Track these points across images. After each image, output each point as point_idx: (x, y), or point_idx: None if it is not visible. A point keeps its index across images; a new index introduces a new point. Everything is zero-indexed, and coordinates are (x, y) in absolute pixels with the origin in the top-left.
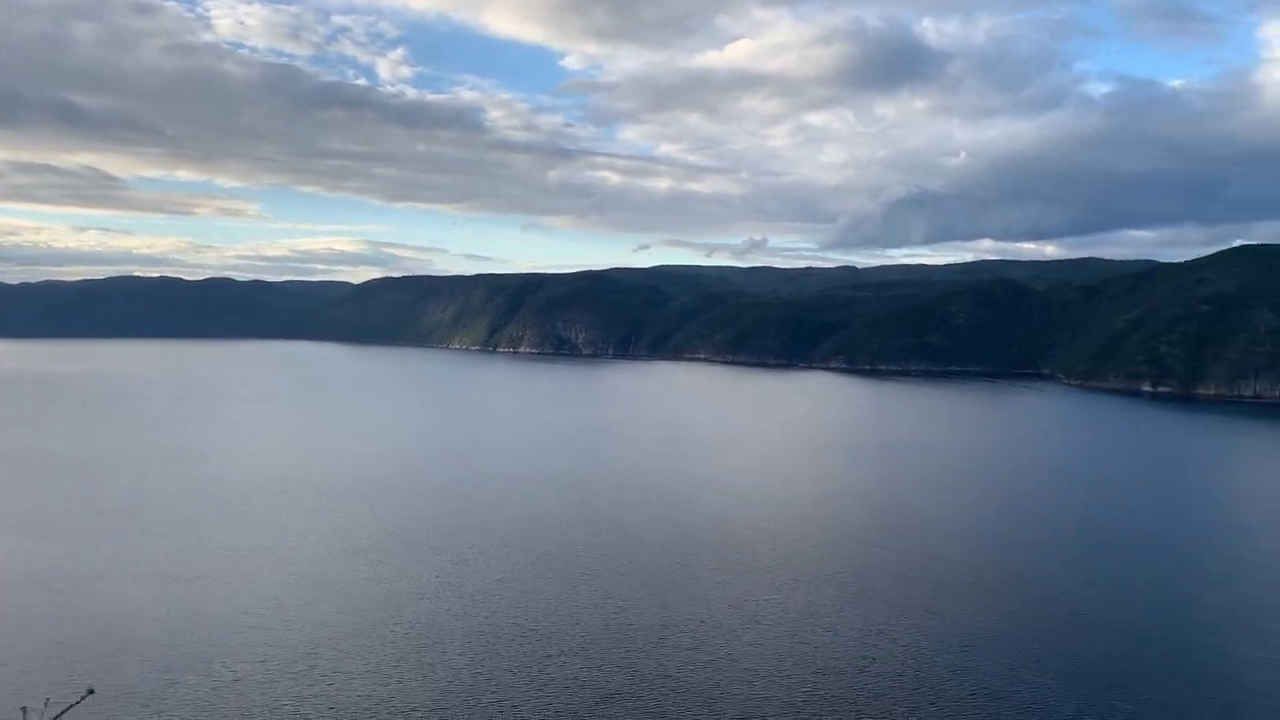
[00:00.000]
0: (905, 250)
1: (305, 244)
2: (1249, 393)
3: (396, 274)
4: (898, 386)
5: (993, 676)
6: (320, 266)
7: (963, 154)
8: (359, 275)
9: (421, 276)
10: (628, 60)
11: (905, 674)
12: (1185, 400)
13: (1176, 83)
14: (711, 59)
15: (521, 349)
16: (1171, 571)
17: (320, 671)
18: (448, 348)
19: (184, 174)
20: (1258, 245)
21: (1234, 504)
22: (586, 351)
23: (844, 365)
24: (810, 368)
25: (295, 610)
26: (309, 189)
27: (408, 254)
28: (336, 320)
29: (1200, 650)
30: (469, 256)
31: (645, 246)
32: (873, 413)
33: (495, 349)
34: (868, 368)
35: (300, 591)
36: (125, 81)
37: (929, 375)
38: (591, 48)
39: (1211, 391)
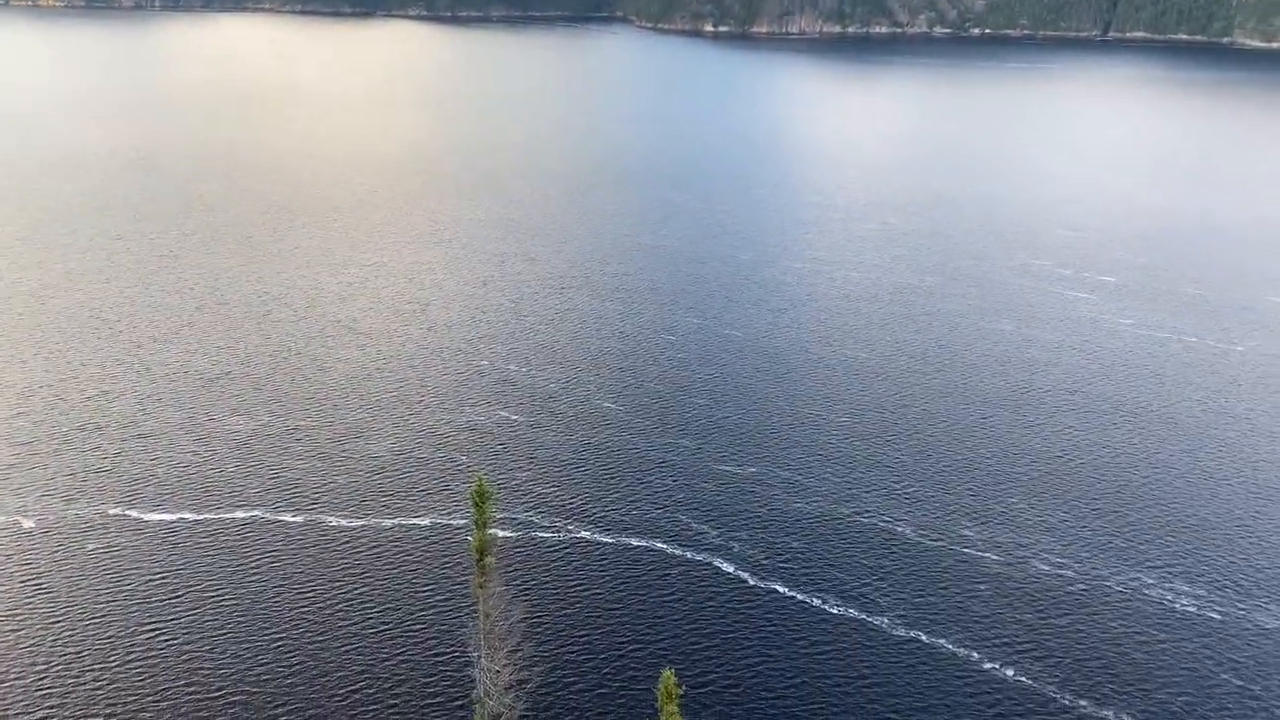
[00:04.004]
0: None
1: None
2: (795, 30)
3: None
4: (480, 34)
5: (584, 305)
6: None
7: None
8: None
9: None
10: None
11: (509, 318)
12: (742, 39)
13: None
14: None
15: (43, 1)
16: (725, 195)
17: None
18: None
19: None
20: None
21: (768, 131)
22: (128, 4)
23: (424, 12)
24: (390, 16)
25: None
26: None
27: None
28: None
29: (741, 263)
30: None
31: None
32: (458, 65)
33: (8, 2)
34: (448, 15)
35: None
36: None
37: (511, 20)
38: None
39: (764, 30)
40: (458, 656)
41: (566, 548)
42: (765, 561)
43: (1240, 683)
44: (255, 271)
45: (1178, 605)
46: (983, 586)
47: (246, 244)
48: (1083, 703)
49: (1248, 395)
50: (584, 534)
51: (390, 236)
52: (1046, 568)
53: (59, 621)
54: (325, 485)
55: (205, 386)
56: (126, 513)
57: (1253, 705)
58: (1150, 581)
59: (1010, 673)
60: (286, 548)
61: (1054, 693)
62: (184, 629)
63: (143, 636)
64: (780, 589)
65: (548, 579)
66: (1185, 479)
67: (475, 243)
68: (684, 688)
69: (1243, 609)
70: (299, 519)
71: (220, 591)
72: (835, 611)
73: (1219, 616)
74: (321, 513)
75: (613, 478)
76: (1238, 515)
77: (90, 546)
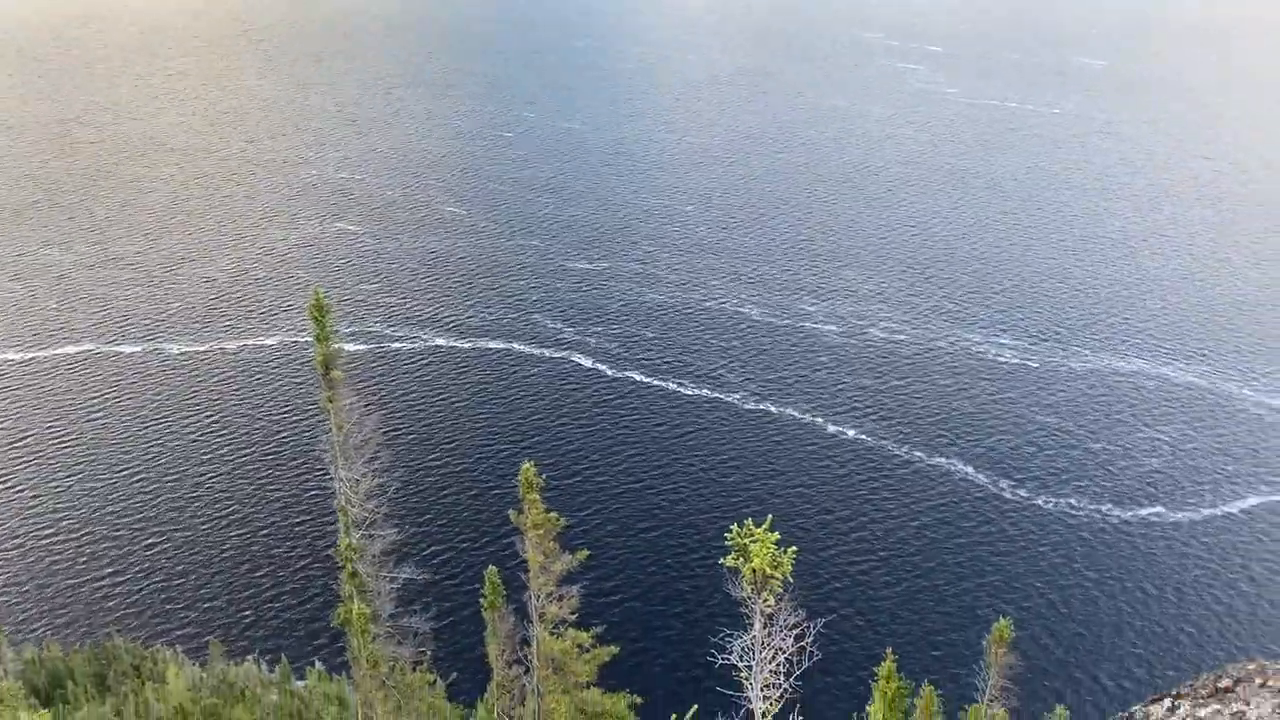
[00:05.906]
0: None
1: None
2: None
3: None
4: None
5: (414, 105)
6: None
7: None
8: None
9: None
10: None
11: (335, 123)
12: None
13: None
14: None
15: None
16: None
17: None
18: None
19: None
20: None
21: None
22: None
23: None
24: None
25: None
26: None
27: None
28: None
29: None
30: None
31: None
32: None
33: None
34: None
35: None
36: None
37: None
38: None
39: None
40: (317, 470)
41: (422, 356)
42: (621, 352)
43: (1056, 420)
44: (45, 90)
45: (1001, 358)
46: (824, 357)
47: (30, 60)
48: (918, 454)
49: (1065, 155)
50: (439, 341)
51: (191, 41)
52: (882, 334)
53: None
54: (160, 312)
55: (11, 219)
56: None
57: (1066, 439)
58: (977, 339)
59: (852, 433)
60: (127, 379)
61: (893, 448)
62: (28, 471)
63: None
64: (637, 377)
65: (405, 387)
66: (1008, 239)
67: (286, 43)
68: (544, 477)
69: (1057, 357)
70: (136, 349)
71: (62, 429)
72: (690, 392)
73: (1037, 364)
74: (160, 340)
75: (463, 283)
76: (1054, 270)
77: None
